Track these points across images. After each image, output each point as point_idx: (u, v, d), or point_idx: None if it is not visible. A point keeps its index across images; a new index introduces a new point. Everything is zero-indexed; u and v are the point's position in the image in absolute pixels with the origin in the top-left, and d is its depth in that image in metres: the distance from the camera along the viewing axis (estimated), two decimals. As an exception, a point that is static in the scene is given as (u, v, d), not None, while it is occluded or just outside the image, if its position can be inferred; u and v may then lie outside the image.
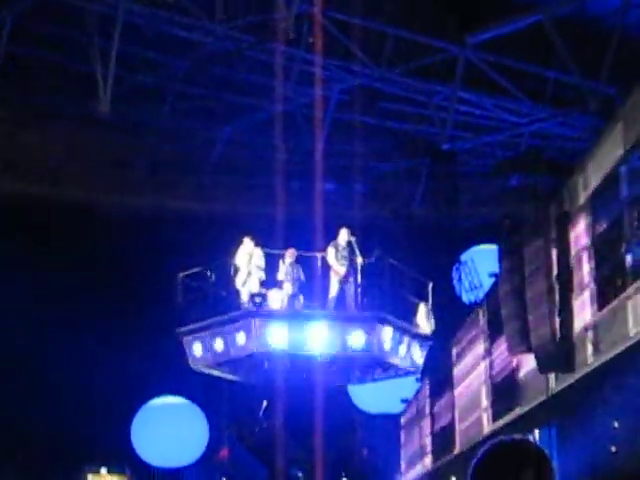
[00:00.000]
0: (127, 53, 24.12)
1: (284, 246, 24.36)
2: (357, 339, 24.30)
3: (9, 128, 25.58)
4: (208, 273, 25.56)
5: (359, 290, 24.32)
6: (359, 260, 23.94)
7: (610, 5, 23.47)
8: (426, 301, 26.57)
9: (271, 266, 24.67)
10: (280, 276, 24.55)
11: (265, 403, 26.04)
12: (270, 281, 24.70)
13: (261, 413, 26.27)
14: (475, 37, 24.82)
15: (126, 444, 33.72)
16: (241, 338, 24.32)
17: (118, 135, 26.84)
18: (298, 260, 24.50)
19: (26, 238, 30.87)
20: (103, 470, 47.11)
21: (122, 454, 37.06)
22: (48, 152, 26.67)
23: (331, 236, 24.23)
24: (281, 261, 24.60)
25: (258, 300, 24.24)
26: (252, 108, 26.11)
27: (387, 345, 24.76)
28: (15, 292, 31.67)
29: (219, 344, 24.91)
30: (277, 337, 24.05)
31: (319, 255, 24.36)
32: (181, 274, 25.66)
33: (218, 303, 25.03)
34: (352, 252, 23.99)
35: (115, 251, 31.77)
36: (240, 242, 24.38)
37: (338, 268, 23.93)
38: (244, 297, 24.17)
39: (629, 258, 19.10)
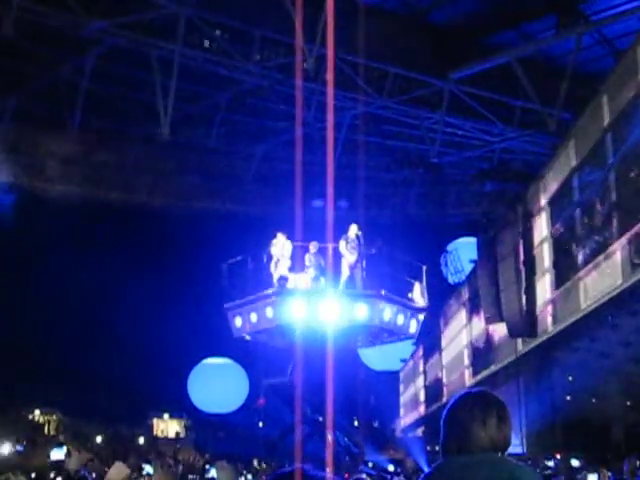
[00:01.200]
0: (182, 88, 24.09)
1: (308, 239, 24.39)
2: (362, 312, 24.41)
3: (89, 147, 25.63)
4: (248, 261, 25.73)
5: (364, 273, 24.40)
6: (365, 249, 24.15)
7: (564, 48, 23.36)
8: (420, 281, 26.66)
9: (300, 254, 24.87)
10: (306, 263, 24.75)
11: (292, 363, 26.15)
12: (299, 266, 24.87)
13: (289, 371, 26.37)
14: (457, 74, 24.75)
15: (184, 395, 33.81)
16: (270, 312, 24.48)
17: (176, 153, 26.82)
18: (320, 250, 24.71)
19: (106, 235, 31.02)
20: (166, 415, 47.52)
21: (181, 403, 37.31)
22: (120, 166, 26.69)
23: (344, 230, 24.38)
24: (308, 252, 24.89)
25: (283, 282, 24.42)
26: (281, 131, 26.07)
27: (386, 316, 24.88)
28: (99, 275, 32.01)
29: (254, 317, 25.03)
30: (297, 311, 24.17)
31: (329, 246, 24.47)
32: (226, 262, 25.87)
33: (254, 285, 25.12)
34: (359, 243, 24.16)
35: (174, 243, 31.92)
36: (274, 236, 24.53)
37: (348, 256, 24.12)
38: (274, 280, 24.34)
39: (580, 249, 19.04)
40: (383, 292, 24.70)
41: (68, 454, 29.77)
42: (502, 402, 4.24)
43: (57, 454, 30.45)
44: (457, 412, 4.21)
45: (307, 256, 24.81)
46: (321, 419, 25.92)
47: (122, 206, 28.53)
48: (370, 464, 30.52)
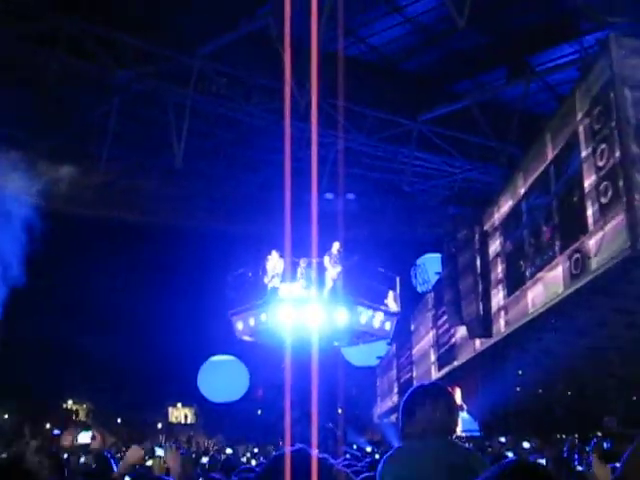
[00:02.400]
0: (193, 126, 24.16)
1: (300, 253, 24.44)
2: (342, 316, 24.51)
3: (116, 177, 25.70)
4: (249, 274, 25.84)
5: (343, 283, 24.60)
6: (345, 263, 24.36)
7: (515, 93, 23.49)
8: (394, 289, 26.74)
9: (293, 268, 24.99)
10: (298, 275, 24.85)
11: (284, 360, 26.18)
12: (292, 278, 25.00)
13: (283, 366, 26.35)
14: (425, 116, 24.86)
15: (194, 387, 33.68)
16: (264, 317, 24.57)
17: (188, 180, 26.82)
18: (309, 264, 24.82)
19: (130, 251, 30.94)
20: (179, 404, 47.22)
21: (191, 394, 37.08)
22: (141, 193, 26.67)
23: (329, 247, 24.55)
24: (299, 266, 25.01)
25: (275, 291, 24.54)
26: (277, 163, 26.02)
27: (363, 319, 25.01)
28: (127, 287, 32.07)
29: (252, 321, 25.15)
30: (286, 316, 24.27)
31: (314, 261, 24.61)
32: (231, 275, 26.07)
33: (253, 293, 25.21)
34: (341, 257, 24.32)
35: (187, 258, 31.84)
36: (269, 253, 24.68)
37: (331, 269, 24.28)
38: (268, 290, 24.49)
39: (528, 263, 19.13)
40: (359, 299, 24.88)
41: (93, 437, 29.58)
42: (450, 392, 4.27)
43: (84, 437, 30.27)
44: (412, 402, 4.22)
45: (298, 269, 24.98)
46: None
47: (144, 226, 28.60)
48: (354, 446, 30.46)
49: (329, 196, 26.09)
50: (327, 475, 2.56)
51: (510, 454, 15.97)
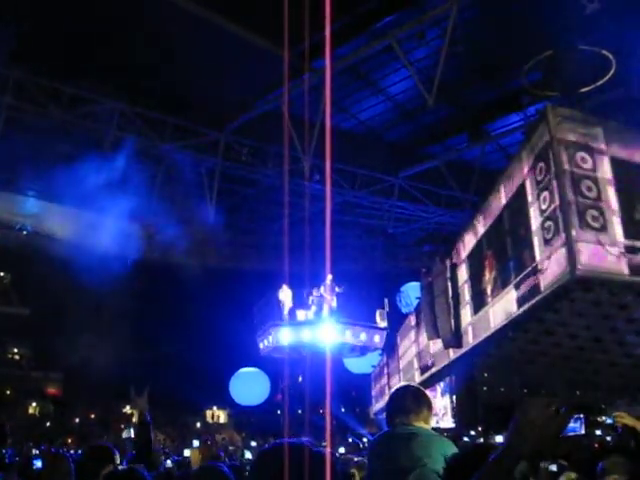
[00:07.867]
0: (222, 186, 24.29)
1: (306, 284, 24.50)
2: (333, 334, 24.36)
3: (155, 229, 25.71)
4: (268, 304, 25.80)
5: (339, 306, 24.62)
6: (337, 290, 24.34)
7: (474, 154, 23.59)
8: (382, 309, 26.71)
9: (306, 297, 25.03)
10: (309, 302, 24.83)
11: (301, 370, 26.05)
12: (306, 305, 25.01)
13: (299, 376, 26.20)
14: (404, 173, 24.97)
15: (227, 392, 33.51)
16: (271, 338, 24.46)
17: (216, 231, 26.83)
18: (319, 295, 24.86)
19: (190, 289, 30.78)
20: (215, 407, 46.82)
21: (225, 398, 36.88)
22: (179, 241, 26.70)
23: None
24: (310, 295, 25.02)
25: (281, 319, 24.53)
26: (289, 214, 26.10)
27: (348, 335, 24.95)
28: (167, 316, 31.82)
29: (270, 340, 24.94)
30: (291, 336, 24.17)
31: (314, 292, 24.64)
32: (256, 305, 26.08)
33: (271, 319, 25.10)
34: (334, 287, 24.31)
35: (218, 293, 31.60)
36: (281, 287, 24.63)
37: (328, 298, 24.18)
38: (284, 315, 24.43)
39: (488, 288, 18.97)
40: (346, 320, 24.93)
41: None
42: (426, 393, 4.22)
43: (128, 433, 29.98)
44: (398, 397, 4.18)
45: (310, 298, 24.99)
46: (321, 411, 25.66)
47: (183, 267, 28.56)
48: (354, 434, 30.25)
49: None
50: (317, 461, 2.46)
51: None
